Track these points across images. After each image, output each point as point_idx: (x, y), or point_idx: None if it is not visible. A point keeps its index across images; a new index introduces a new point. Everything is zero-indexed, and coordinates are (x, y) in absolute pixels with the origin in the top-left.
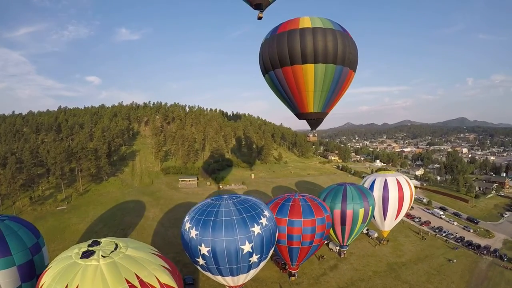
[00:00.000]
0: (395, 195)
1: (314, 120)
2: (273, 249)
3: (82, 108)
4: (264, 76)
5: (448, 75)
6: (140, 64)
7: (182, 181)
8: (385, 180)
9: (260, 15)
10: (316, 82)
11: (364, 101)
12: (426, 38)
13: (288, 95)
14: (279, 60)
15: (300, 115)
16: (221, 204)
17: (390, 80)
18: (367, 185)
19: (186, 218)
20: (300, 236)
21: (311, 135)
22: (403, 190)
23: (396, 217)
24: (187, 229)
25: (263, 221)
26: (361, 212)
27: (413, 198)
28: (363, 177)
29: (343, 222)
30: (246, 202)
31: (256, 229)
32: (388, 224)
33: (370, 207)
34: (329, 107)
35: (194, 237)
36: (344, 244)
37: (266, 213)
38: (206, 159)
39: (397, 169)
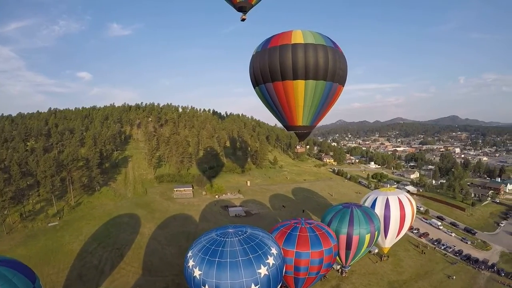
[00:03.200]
0: (396, 214)
1: (303, 133)
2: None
3: (73, 109)
4: (254, 88)
5: (441, 73)
6: (132, 60)
7: (176, 190)
8: (387, 199)
9: (243, 17)
10: (306, 98)
11: (356, 98)
12: (419, 36)
13: (278, 108)
14: (270, 75)
15: (289, 128)
16: (226, 242)
17: (382, 78)
18: (368, 203)
19: (190, 253)
20: (307, 268)
21: (299, 147)
22: (405, 209)
23: (398, 235)
24: (190, 266)
25: (270, 260)
26: (367, 237)
27: (414, 216)
28: (359, 182)
29: (348, 247)
30: (252, 239)
31: (263, 271)
32: (389, 242)
33: (376, 232)
34: (317, 120)
35: (198, 276)
36: (347, 265)
37: (273, 250)
38: (201, 165)
39: (392, 172)
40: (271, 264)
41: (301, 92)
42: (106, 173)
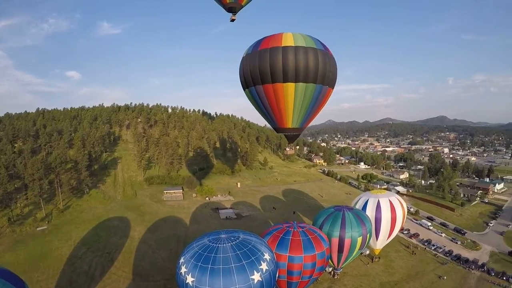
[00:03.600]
0: (387, 216)
1: (292, 135)
2: None
3: (62, 110)
4: (244, 90)
5: (430, 74)
6: (122, 59)
7: (166, 193)
8: (378, 201)
9: (233, 17)
10: (296, 101)
11: (346, 98)
12: (409, 37)
13: (268, 110)
14: (260, 77)
15: (278, 130)
16: (219, 248)
17: (372, 78)
18: (359, 205)
19: (182, 260)
20: (300, 272)
21: (288, 149)
22: (396, 211)
23: (389, 236)
24: (183, 273)
25: (263, 266)
26: (359, 240)
27: (405, 218)
28: (349, 182)
29: (340, 250)
30: (245, 245)
31: (256, 277)
32: (380, 243)
33: (368, 234)
34: (306, 122)
35: (190, 283)
36: (339, 267)
37: (266, 256)
38: (191, 167)
39: (382, 172)
40: (264, 270)
41: (291, 95)
42: (95, 175)
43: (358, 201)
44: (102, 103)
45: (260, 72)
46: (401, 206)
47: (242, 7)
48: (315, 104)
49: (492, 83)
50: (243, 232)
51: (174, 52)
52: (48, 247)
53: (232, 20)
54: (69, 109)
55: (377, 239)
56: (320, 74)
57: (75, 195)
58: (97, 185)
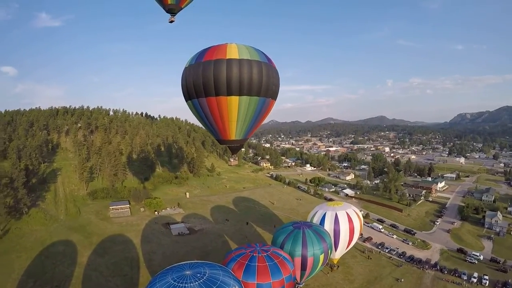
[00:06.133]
0: (346, 227)
1: (236, 147)
2: None
3: None
4: (186, 101)
5: (370, 77)
6: (60, 54)
7: (112, 208)
8: (336, 215)
9: (172, 19)
10: (239, 113)
11: (288, 98)
12: (350, 41)
13: (211, 123)
14: (203, 90)
15: (221, 142)
16: None
17: (313, 79)
18: (317, 218)
19: None
20: None
21: (232, 160)
22: (353, 222)
23: (347, 246)
24: None
25: None
26: (321, 257)
27: (362, 227)
28: (298, 187)
29: (303, 268)
30: (213, 282)
31: None
32: (339, 253)
33: (329, 249)
34: (249, 133)
35: None
36: (301, 282)
37: None
38: (136, 176)
39: (328, 174)
40: None
41: (234, 108)
42: (34, 191)
43: (315, 214)
44: (39, 106)
45: (204, 85)
46: (357, 217)
47: (182, 9)
48: (258, 115)
49: (428, 85)
50: (208, 265)
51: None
52: None
53: (171, 22)
54: (2, 112)
55: (336, 250)
56: (264, 87)
57: (13, 217)
58: (36, 202)
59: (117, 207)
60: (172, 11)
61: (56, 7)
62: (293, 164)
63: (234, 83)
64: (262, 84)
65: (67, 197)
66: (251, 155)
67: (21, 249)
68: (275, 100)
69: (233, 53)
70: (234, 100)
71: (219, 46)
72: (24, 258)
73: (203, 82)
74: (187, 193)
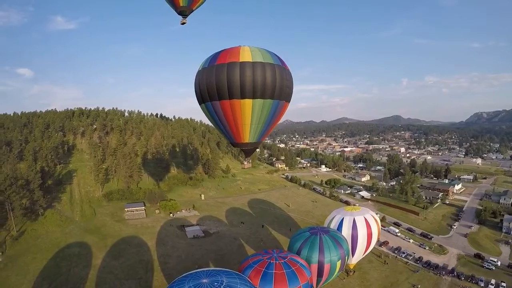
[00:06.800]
0: (363, 233)
1: (249, 150)
2: None
3: (12, 114)
4: (200, 104)
5: (384, 75)
6: (76, 56)
7: (128, 210)
8: (354, 219)
9: (184, 21)
10: (253, 117)
11: (302, 98)
12: (364, 40)
13: (225, 126)
14: (217, 93)
15: (235, 144)
16: None
17: (327, 79)
18: (335, 223)
19: None
20: None
21: (246, 163)
22: (371, 228)
23: (365, 252)
24: None
25: None
26: (338, 263)
27: (380, 232)
28: (314, 188)
29: (320, 275)
30: None
31: None
32: (356, 259)
33: (346, 256)
34: (263, 136)
35: None
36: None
37: None
38: (151, 178)
39: (343, 175)
40: None
41: (248, 111)
42: (50, 192)
43: (332, 219)
44: (55, 108)
45: (217, 88)
46: (375, 222)
47: (193, 11)
48: (272, 118)
49: (444, 84)
50: (225, 273)
51: (128, 49)
52: (6, 285)
53: (183, 23)
54: (19, 114)
55: (353, 256)
56: (277, 89)
57: (29, 218)
58: (52, 204)
59: (132, 209)
60: (183, 13)
61: (71, 10)
62: (308, 165)
63: (247, 86)
64: (276, 87)
65: (82, 199)
66: (266, 155)
67: (36, 250)
68: (289, 102)
69: (246, 56)
70: (248, 103)
71: (232, 49)
72: (40, 259)
73: (217, 86)
74: (202, 195)
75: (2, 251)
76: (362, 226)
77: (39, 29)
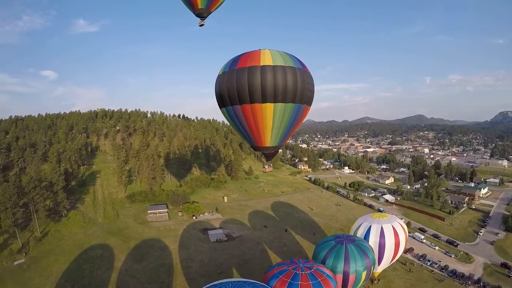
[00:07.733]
0: (391, 242)
1: (270, 153)
2: None
3: (36, 116)
4: (220, 108)
5: (406, 74)
6: (98, 58)
7: (151, 213)
8: (381, 227)
9: (202, 23)
10: (274, 120)
11: (324, 98)
12: (386, 38)
13: (246, 130)
14: (238, 98)
15: (256, 148)
16: None
17: (349, 78)
18: (362, 232)
19: None
20: None
21: (267, 167)
22: (399, 236)
23: (391, 260)
24: None
25: None
26: (364, 274)
27: (407, 241)
28: (337, 191)
29: (344, 285)
30: None
31: None
32: (382, 267)
33: (372, 266)
34: (284, 140)
35: None
36: None
37: None
38: (174, 179)
39: (367, 177)
40: None
41: (269, 115)
42: (73, 193)
43: (359, 227)
44: (79, 110)
45: (238, 92)
46: (403, 231)
47: (211, 13)
48: (294, 122)
49: (468, 82)
50: (249, 283)
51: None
52: (29, 285)
53: (201, 25)
54: (43, 115)
55: (379, 264)
56: (299, 93)
57: (52, 219)
58: (75, 205)
59: (155, 211)
60: (201, 15)
61: (92, 13)
62: (331, 166)
63: (268, 90)
64: (297, 91)
65: (105, 200)
66: (288, 156)
67: (59, 252)
68: (310, 106)
69: (267, 59)
70: (269, 107)
71: (253, 53)
72: (63, 261)
73: (238, 90)
74: (225, 198)
75: (25, 252)
76: (390, 234)
77: (61, 32)
